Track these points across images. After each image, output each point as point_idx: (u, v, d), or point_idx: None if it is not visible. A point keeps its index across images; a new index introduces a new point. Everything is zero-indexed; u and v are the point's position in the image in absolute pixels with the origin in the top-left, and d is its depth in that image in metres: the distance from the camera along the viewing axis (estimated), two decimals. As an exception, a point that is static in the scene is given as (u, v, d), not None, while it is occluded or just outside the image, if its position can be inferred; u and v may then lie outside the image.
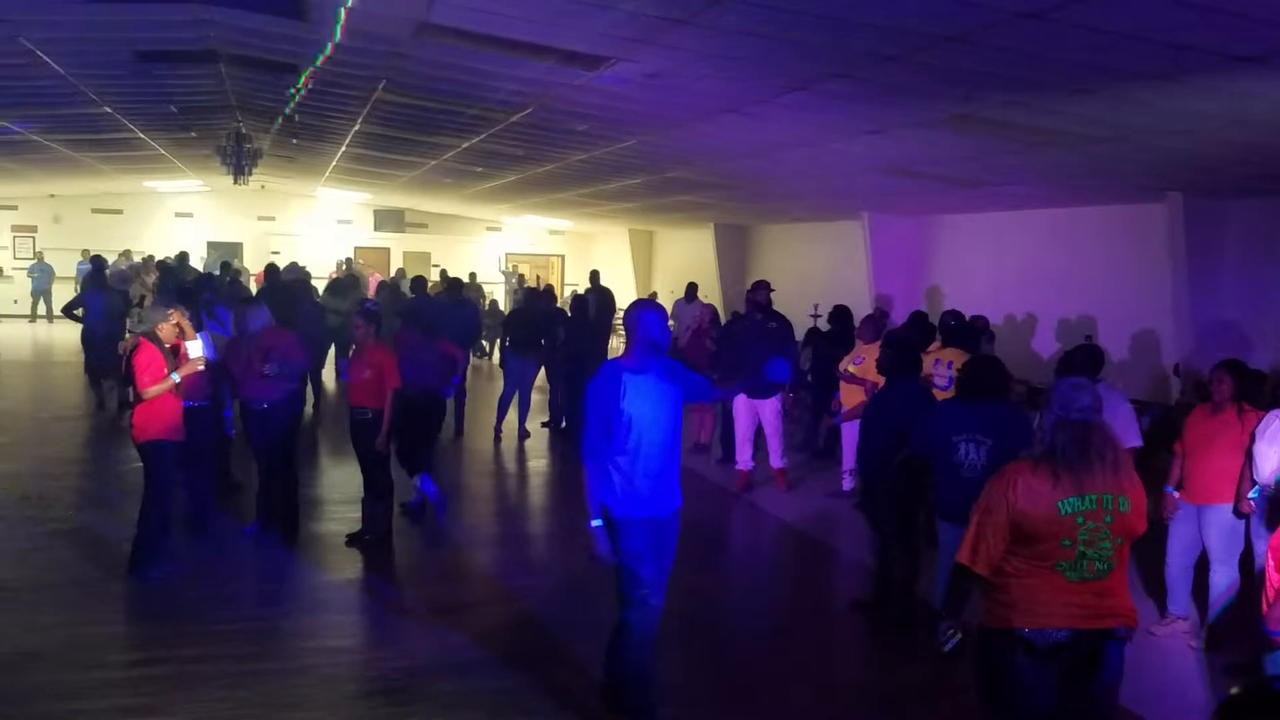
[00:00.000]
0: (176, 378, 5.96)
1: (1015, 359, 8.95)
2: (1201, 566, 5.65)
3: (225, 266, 15.71)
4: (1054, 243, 10.97)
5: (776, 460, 8.84)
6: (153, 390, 5.90)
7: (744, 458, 8.94)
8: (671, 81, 6.40)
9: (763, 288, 8.85)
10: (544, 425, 11.51)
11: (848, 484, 8.59)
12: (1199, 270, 8.74)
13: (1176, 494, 5.61)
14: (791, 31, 4.98)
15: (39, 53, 7.45)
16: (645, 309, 4.30)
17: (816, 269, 15.61)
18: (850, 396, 8.03)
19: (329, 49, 7.03)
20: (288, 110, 10.28)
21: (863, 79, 5.68)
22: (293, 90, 9.17)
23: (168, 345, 6.04)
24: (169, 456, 6.07)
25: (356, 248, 24.29)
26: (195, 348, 6.09)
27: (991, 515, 3.16)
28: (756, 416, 8.71)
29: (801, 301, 13.22)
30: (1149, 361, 9.63)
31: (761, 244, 18.11)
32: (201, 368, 6.13)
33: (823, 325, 10.80)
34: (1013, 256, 11.57)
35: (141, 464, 6.15)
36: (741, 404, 8.71)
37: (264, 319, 6.91)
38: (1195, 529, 5.55)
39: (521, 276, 22.84)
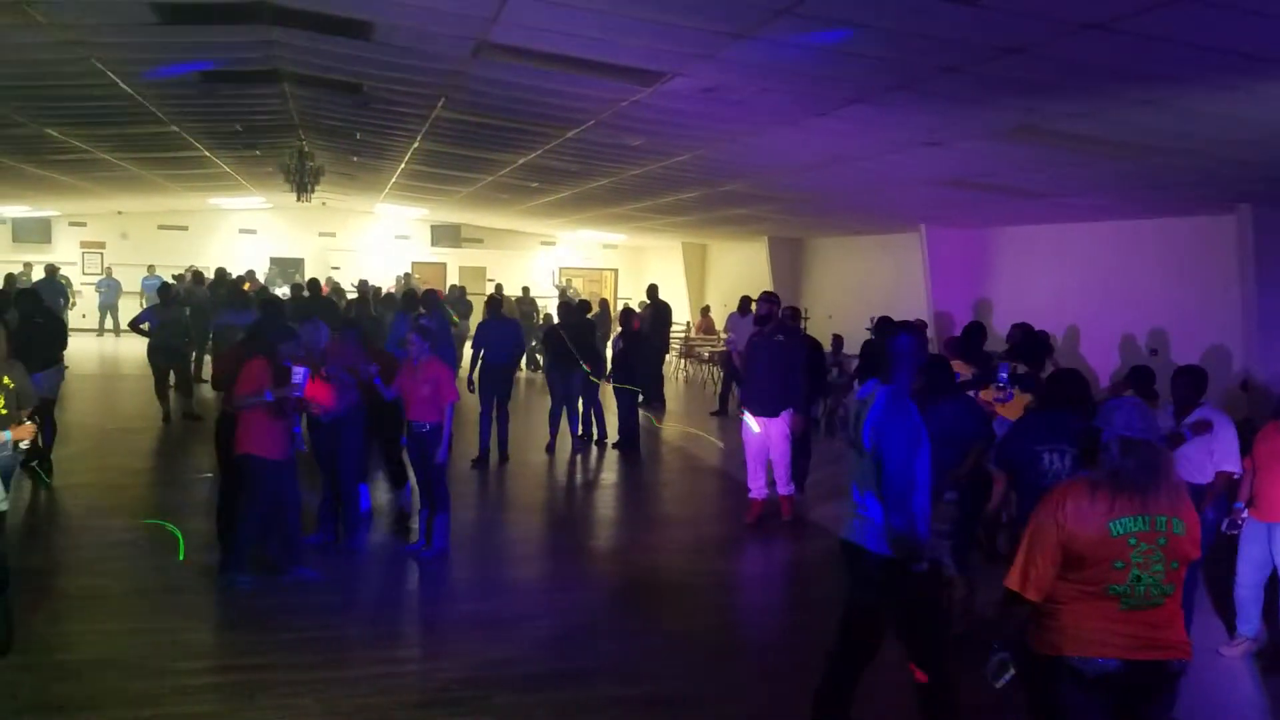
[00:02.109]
0: (270, 396, 6.07)
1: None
2: (1273, 586, 5.50)
3: (296, 288, 16.11)
4: (1116, 255, 10.76)
5: (782, 486, 8.19)
6: (239, 401, 6.09)
7: (756, 484, 8.21)
8: (728, 96, 6.41)
9: (765, 301, 8.25)
10: (596, 443, 11.49)
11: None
12: (1269, 283, 8.52)
13: (1246, 511, 5.48)
14: (850, 44, 4.97)
15: (110, 74, 7.68)
16: (914, 336, 4.29)
17: (873, 282, 15.49)
18: None
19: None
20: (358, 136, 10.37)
21: (923, 91, 5.65)
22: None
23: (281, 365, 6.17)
24: (260, 471, 6.16)
25: (414, 263, 24.64)
26: (299, 374, 6.16)
27: (1040, 538, 3.08)
28: (765, 437, 8.07)
29: (857, 315, 13.13)
30: (1216, 376, 9.37)
31: (816, 257, 18.02)
32: (298, 394, 6.18)
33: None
34: (1074, 269, 11.37)
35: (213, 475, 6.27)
36: (749, 423, 8.11)
37: (325, 333, 7.07)
38: (1266, 547, 5.42)
39: (567, 290, 22.98)
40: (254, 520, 6.20)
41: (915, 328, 4.54)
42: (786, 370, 7.86)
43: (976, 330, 8.51)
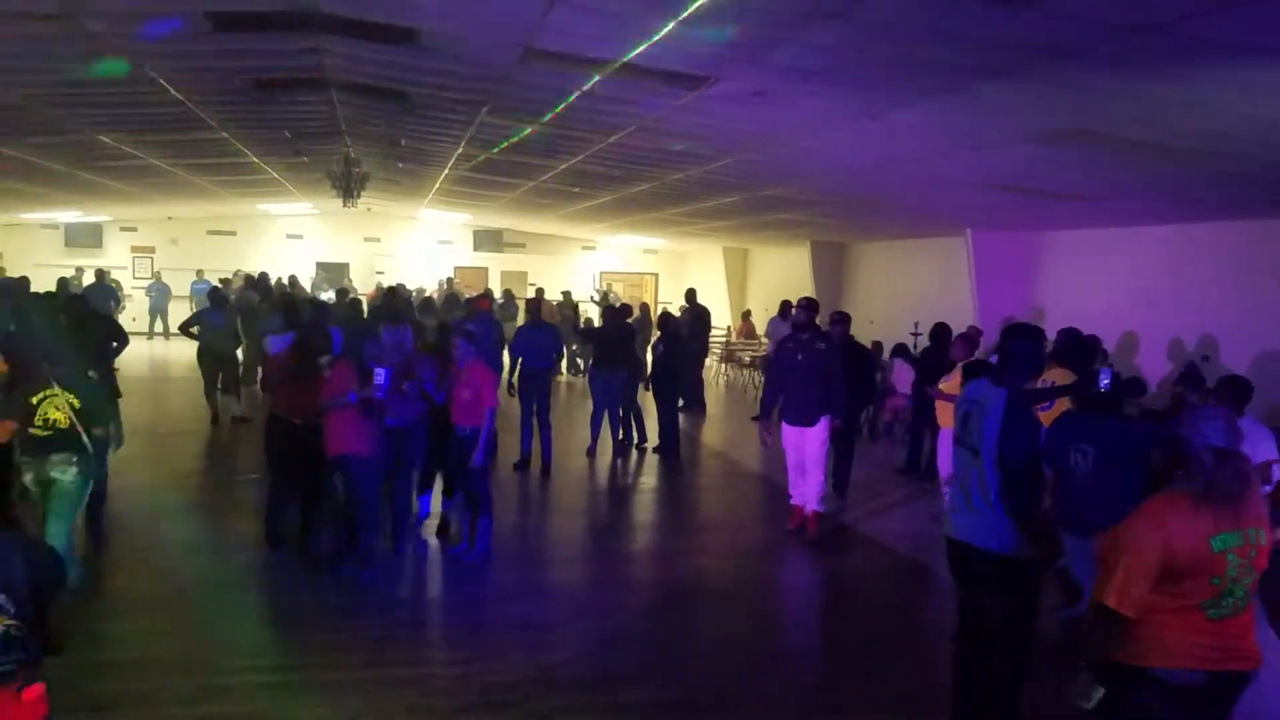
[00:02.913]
0: (354, 398, 6.22)
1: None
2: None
3: (342, 293, 16.32)
4: (1168, 260, 10.56)
5: (812, 501, 7.91)
6: (326, 403, 6.29)
7: (798, 491, 8.02)
8: (773, 99, 6.38)
9: (804, 308, 8.01)
10: (636, 447, 11.47)
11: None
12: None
13: None
14: (896, 47, 4.92)
15: (162, 81, 7.82)
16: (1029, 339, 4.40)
17: (917, 287, 15.34)
18: (944, 413, 8.02)
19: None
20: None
21: (970, 93, 5.58)
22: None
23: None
24: (356, 468, 6.36)
25: (456, 267, 24.84)
26: (380, 374, 6.29)
27: (1141, 557, 2.99)
28: (801, 448, 7.85)
29: (902, 320, 13.00)
30: (1271, 384, 9.17)
31: (859, 261, 17.89)
32: (380, 395, 6.31)
33: (920, 343, 10.62)
34: (1123, 274, 11.18)
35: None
36: (787, 434, 7.91)
37: (409, 335, 7.24)
38: None
39: (607, 294, 23.03)
40: (371, 512, 6.41)
41: (1032, 331, 4.61)
42: (825, 378, 7.69)
43: (1073, 336, 8.39)
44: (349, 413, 6.31)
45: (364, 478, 6.40)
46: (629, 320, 12.09)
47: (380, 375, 6.26)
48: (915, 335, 12.13)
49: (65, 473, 5.69)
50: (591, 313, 22.81)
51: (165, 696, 4.74)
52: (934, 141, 7.17)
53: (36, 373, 5.81)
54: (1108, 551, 3.09)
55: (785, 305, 14.89)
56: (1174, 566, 2.98)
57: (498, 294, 20.71)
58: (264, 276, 18.13)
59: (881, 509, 8.82)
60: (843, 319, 9.31)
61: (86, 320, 9.20)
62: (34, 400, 5.69)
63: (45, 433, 5.68)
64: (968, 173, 8.30)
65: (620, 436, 11.36)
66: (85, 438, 5.74)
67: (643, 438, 11.53)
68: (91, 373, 6.67)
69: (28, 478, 5.73)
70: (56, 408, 5.68)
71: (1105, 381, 6.13)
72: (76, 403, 5.73)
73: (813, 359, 7.68)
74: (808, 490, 7.88)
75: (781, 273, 20.67)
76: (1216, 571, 2.97)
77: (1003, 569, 4.06)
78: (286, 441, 6.97)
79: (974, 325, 11.38)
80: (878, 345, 13.08)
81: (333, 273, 23.93)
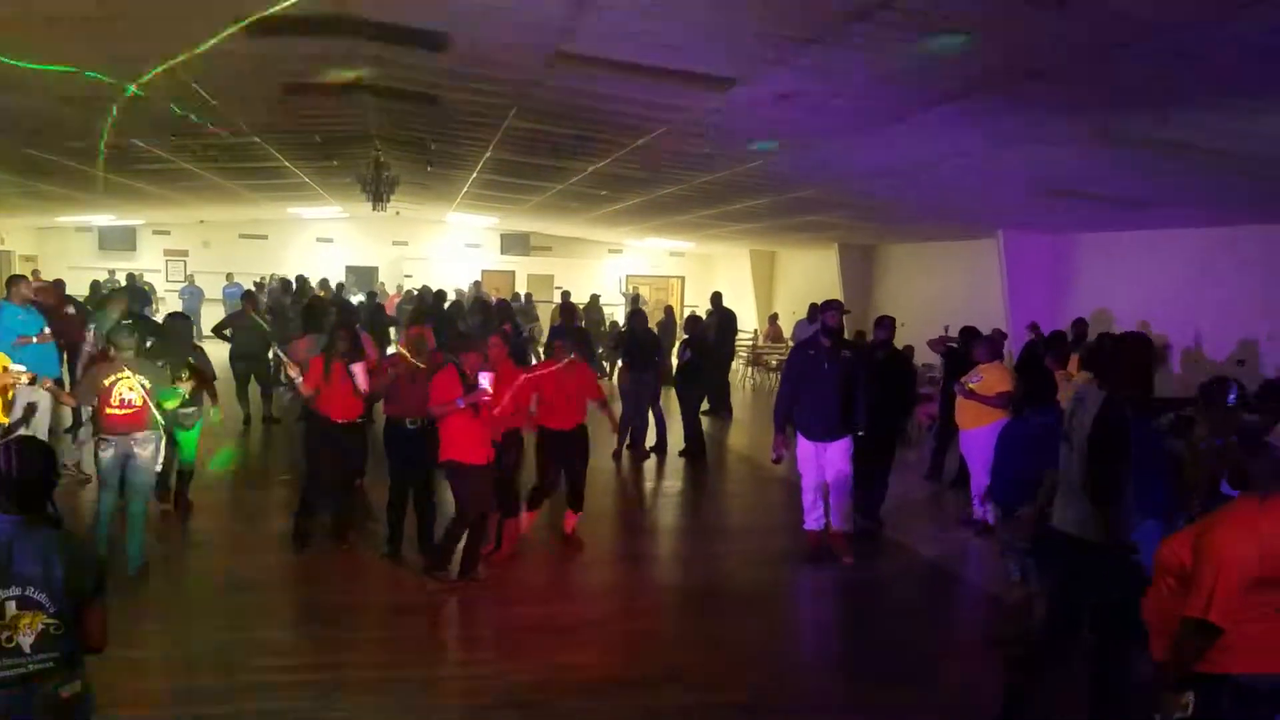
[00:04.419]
0: (461, 403, 6.18)
1: (1161, 385, 8.52)
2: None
3: (370, 296, 16.45)
4: (1207, 263, 10.43)
5: (838, 520, 7.24)
6: (436, 410, 6.23)
7: (813, 515, 7.28)
8: (802, 101, 6.36)
9: (835, 311, 7.25)
10: (653, 449, 11.44)
11: (979, 511, 8.31)
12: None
13: None
14: (929, 48, 4.88)
15: (194, 85, 7.89)
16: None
17: (947, 289, 15.24)
18: (964, 413, 7.92)
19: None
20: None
21: (1006, 94, 5.54)
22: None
23: (470, 374, 6.28)
24: (464, 475, 6.29)
25: (484, 270, 24.94)
26: (485, 380, 6.25)
27: (1238, 569, 2.96)
28: (823, 464, 7.14)
29: (931, 323, 12.89)
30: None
31: (888, 264, 17.80)
32: (487, 399, 6.29)
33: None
34: (1161, 277, 11.05)
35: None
36: (806, 450, 7.15)
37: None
38: None
39: (639, 298, 23.04)
40: (462, 524, 6.34)
41: (1139, 336, 4.66)
42: (852, 390, 7.04)
43: (1061, 339, 8.34)
44: (458, 420, 6.23)
45: (470, 483, 6.25)
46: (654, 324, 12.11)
47: (484, 380, 6.20)
48: (947, 340, 12.02)
49: (144, 448, 6.28)
50: (619, 316, 22.86)
51: (196, 695, 4.79)
52: (968, 143, 7.12)
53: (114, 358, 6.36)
54: (1185, 560, 3.06)
55: (813, 308, 14.82)
56: (1270, 573, 2.96)
57: (523, 297, 20.81)
58: (302, 280, 18.24)
59: (911, 515, 8.72)
60: (888, 324, 8.71)
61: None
62: (106, 382, 6.18)
63: (123, 412, 6.19)
64: (1003, 174, 8.24)
65: (650, 440, 11.36)
66: (158, 415, 6.34)
67: (662, 440, 11.50)
68: (160, 363, 6.86)
69: (108, 454, 6.21)
70: (130, 388, 6.20)
71: (1233, 397, 6.01)
72: (147, 384, 6.24)
73: (838, 368, 6.99)
74: (834, 507, 7.23)
75: (809, 275, 20.60)
76: None
77: (1099, 558, 4.18)
78: (328, 442, 6.96)
79: (998, 329, 11.27)
80: (909, 349, 12.98)
81: (362, 276, 24.10)
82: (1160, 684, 3.15)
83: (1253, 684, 2.99)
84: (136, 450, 6.26)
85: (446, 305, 15.64)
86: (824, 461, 7.10)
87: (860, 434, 7.18)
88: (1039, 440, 5.34)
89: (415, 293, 18.98)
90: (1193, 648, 3.04)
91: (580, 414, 7.27)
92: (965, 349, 9.51)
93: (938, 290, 15.45)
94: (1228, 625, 2.97)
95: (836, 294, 17.74)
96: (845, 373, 7.01)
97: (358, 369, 6.81)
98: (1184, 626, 3.04)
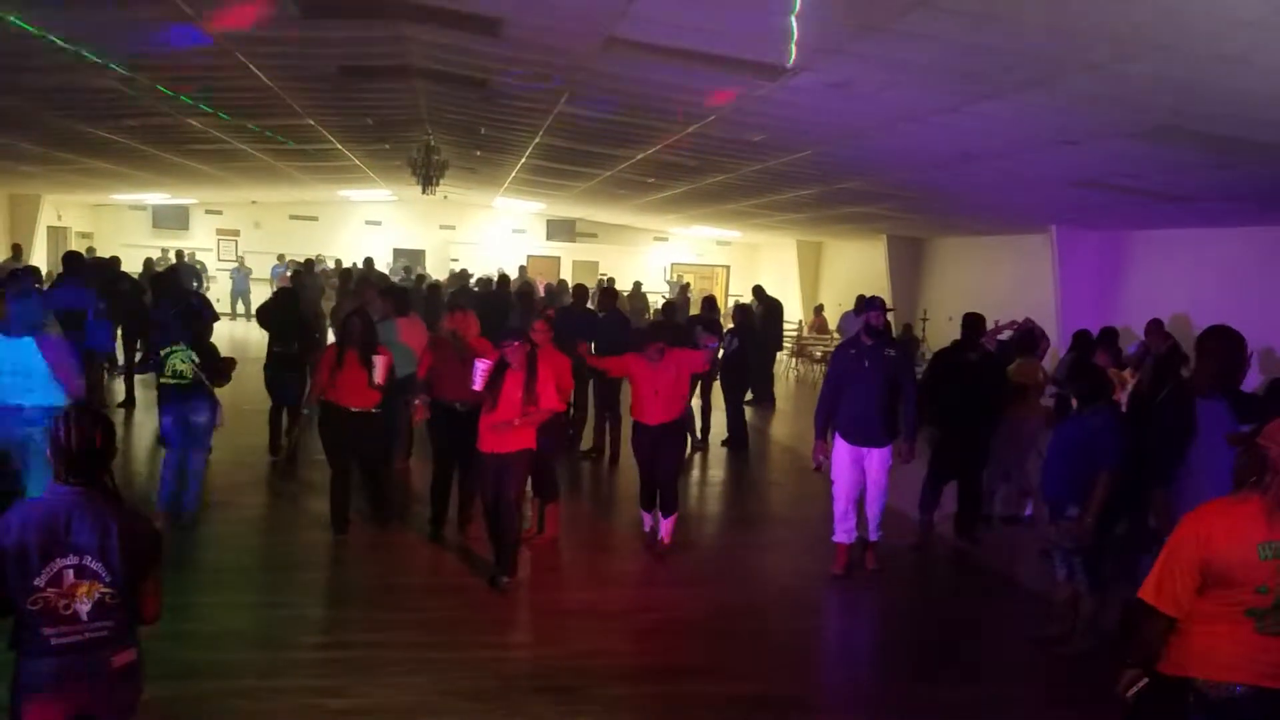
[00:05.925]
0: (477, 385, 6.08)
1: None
2: None
3: (421, 279, 16.59)
4: (1256, 262, 10.18)
5: (873, 531, 6.85)
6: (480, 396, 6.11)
7: (844, 527, 6.75)
8: (855, 91, 6.29)
9: (881, 311, 6.73)
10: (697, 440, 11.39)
11: (1028, 509, 8.20)
12: None
13: None
14: (984, 38, 4.80)
15: (251, 66, 7.99)
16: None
17: (997, 284, 15.02)
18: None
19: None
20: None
21: (1059, 88, 5.43)
22: None
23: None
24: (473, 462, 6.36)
25: (529, 256, 25.04)
26: (480, 367, 6.08)
27: (1180, 552, 2.93)
28: (861, 472, 6.68)
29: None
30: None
31: (937, 257, 17.57)
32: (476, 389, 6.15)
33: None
34: (1213, 275, 10.79)
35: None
36: (843, 455, 6.67)
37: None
38: None
39: (686, 287, 22.98)
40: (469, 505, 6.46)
41: (1229, 332, 4.60)
42: (897, 391, 6.61)
43: (1112, 337, 8.16)
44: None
45: (519, 474, 6.11)
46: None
47: (480, 367, 6.08)
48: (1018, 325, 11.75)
49: (198, 414, 6.87)
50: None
51: (240, 669, 4.87)
52: (1021, 136, 6.99)
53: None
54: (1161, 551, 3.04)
55: (861, 300, 14.67)
56: (1215, 568, 2.88)
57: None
58: (369, 261, 18.37)
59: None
60: (975, 323, 7.78)
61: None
62: (162, 354, 6.84)
63: (176, 381, 6.79)
64: (1055, 169, 8.09)
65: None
66: (208, 384, 6.85)
67: (704, 431, 11.43)
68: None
69: (167, 420, 6.87)
70: (181, 360, 6.79)
71: None
72: (196, 358, 6.81)
73: (880, 367, 6.55)
74: (870, 516, 6.79)
75: (856, 267, 20.41)
76: (1263, 580, 2.86)
77: None
78: (338, 428, 6.93)
79: (1030, 320, 10.95)
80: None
81: (410, 260, 24.31)
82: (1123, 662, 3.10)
83: (1209, 691, 2.91)
84: (190, 417, 6.86)
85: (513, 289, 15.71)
86: (864, 469, 6.66)
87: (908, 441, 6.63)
88: (1091, 440, 5.25)
89: (474, 276, 19.08)
90: (1134, 628, 3.04)
91: (665, 413, 6.90)
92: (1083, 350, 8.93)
93: (988, 285, 15.23)
94: (1171, 611, 2.92)
95: (883, 286, 17.61)
96: (888, 373, 6.56)
97: (379, 361, 6.77)
98: (1136, 607, 3.02)
